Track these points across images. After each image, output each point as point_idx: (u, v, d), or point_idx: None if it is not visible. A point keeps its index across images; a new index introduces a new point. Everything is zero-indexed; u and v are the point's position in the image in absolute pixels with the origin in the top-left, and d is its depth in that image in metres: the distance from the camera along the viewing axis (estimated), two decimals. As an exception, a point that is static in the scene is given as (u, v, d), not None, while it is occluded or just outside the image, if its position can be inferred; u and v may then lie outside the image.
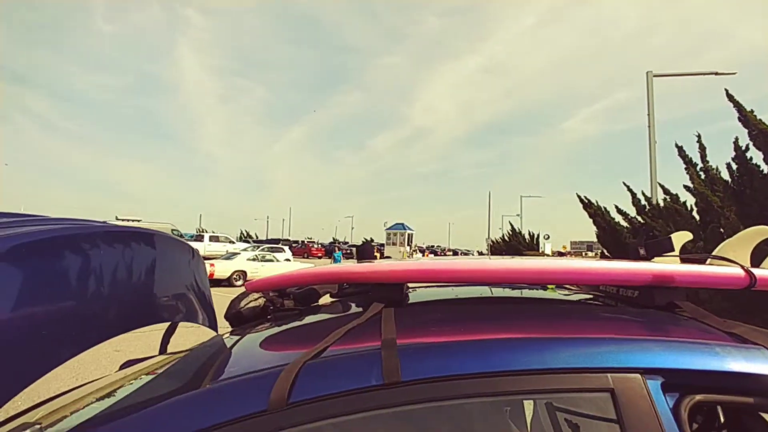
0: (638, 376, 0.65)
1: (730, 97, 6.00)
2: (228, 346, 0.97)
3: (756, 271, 0.91)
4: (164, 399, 0.68)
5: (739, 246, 1.15)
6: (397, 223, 34.85)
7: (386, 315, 0.84)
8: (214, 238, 24.53)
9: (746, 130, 5.79)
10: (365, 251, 1.27)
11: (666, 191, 8.79)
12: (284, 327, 1.02)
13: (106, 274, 1.11)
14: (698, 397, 0.65)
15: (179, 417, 0.64)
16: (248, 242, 34.65)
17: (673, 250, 1.06)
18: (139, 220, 27.50)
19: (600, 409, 0.65)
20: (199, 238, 25.02)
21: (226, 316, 1.18)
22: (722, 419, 1.02)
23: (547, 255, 21.90)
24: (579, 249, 29.79)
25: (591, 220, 11.08)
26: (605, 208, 11.21)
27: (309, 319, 1.07)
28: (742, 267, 0.92)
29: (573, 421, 0.71)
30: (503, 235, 30.91)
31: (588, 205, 11.86)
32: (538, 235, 26.20)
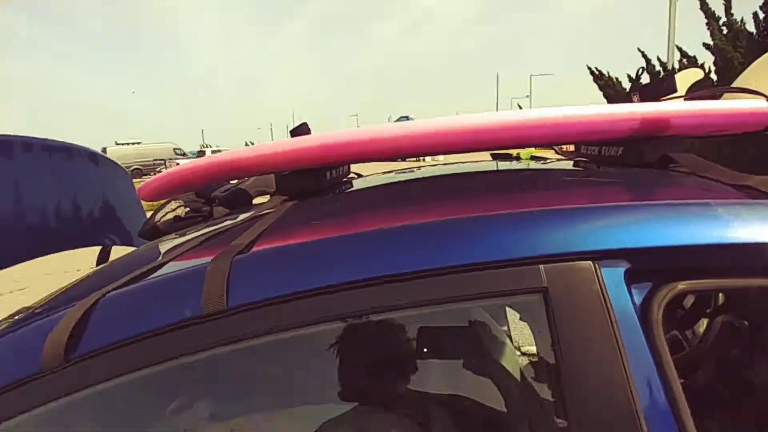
0: (589, 264, 0.45)
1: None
2: (93, 272, 0.83)
3: None
4: None
5: (766, 71, 0.87)
6: (401, 116, 33.64)
7: (273, 214, 0.67)
8: (216, 153, 24.30)
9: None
10: (298, 134, 1.08)
11: (684, 54, 7.96)
12: (159, 243, 0.85)
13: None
14: (681, 285, 0.45)
15: None
16: (253, 153, 34.21)
17: (675, 90, 0.81)
18: (139, 143, 27.10)
19: (530, 317, 0.47)
20: (201, 153, 24.79)
21: (140, 233, 1.03)
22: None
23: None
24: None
25: (602, 94, 10.38)
26: (617, 79, 10.38)
27: (202, 229, 0.85)
28: None
29: (496, 336, 0.54)
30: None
31: (598, 77, 11.03)
32: (548, 117, 25.18)
